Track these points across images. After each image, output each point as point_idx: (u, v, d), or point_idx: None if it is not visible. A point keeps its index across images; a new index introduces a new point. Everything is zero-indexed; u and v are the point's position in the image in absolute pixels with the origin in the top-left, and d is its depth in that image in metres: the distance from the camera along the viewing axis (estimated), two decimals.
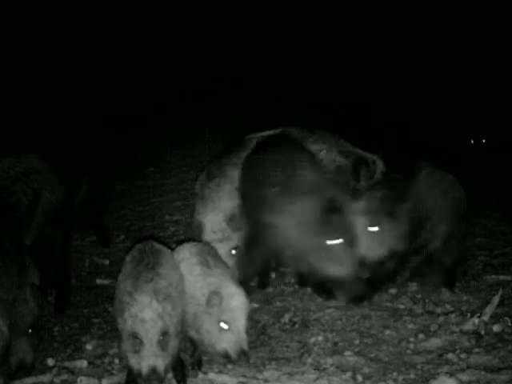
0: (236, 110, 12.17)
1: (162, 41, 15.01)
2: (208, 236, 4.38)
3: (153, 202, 7.22)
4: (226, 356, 3.53)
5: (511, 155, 6.54)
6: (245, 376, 3.61)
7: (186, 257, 3.90)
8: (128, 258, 3.70)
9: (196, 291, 3.66)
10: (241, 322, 3.53)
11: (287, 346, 3.97)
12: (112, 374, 3.69)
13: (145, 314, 3.27)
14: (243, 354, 3.50)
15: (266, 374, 3.63)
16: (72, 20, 14.12)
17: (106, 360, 3.88)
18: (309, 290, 4.74)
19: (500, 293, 4.19)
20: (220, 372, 3.64)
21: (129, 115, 11.86)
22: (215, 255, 4.02)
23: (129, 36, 14.71)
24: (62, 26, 13.87)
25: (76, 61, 13.39)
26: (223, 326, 3.50)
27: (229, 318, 3.50)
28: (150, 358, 3.24)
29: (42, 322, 4.15)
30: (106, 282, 5.16)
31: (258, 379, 3.58)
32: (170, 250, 3.91)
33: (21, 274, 3.88)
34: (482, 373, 3.50)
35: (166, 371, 3.35)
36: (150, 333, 3.25)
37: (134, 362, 3.28)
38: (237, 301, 3.56)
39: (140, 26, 14.97)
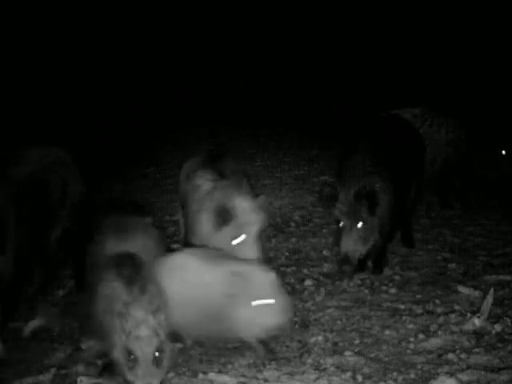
0: (236, 110, 12.17)
1: (162, 41, 15.02)
2: (241, 218, 4.35)
3: (153, 202, 7.21)
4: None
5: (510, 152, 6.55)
6: (245, 376, 3.61)
7: (188, 262, 3.83)
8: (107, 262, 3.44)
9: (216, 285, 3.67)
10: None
11: (287, 346, 3.96)
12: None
13: (140, 332, 3.10)
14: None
15: (266, 374, 3.62)
16: (73, 21, 14.13)
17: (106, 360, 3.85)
18: (309, 289, 4.74)
19: (491, 291, 4.18)
20: (220, 372, 3.63)
21: (129, 115, 11.86)
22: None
23: (129, 36, 14.72)
24: (63, 27, 13.88)
25: (77, 62, 13.40)
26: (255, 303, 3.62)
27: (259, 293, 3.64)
28: (146, 378, 3.10)
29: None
30: None
31: (257, 379, 3.57)
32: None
33: None
34: (482, 373, 3.50)
35: None
36: (145, 351, 3.10)
37: (129, 376, 3.14)
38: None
39: (141, 26, 14.98)
